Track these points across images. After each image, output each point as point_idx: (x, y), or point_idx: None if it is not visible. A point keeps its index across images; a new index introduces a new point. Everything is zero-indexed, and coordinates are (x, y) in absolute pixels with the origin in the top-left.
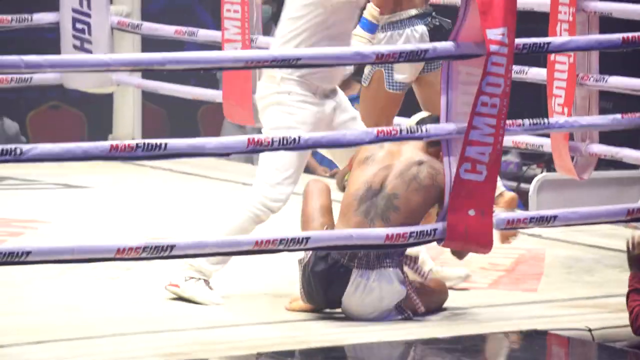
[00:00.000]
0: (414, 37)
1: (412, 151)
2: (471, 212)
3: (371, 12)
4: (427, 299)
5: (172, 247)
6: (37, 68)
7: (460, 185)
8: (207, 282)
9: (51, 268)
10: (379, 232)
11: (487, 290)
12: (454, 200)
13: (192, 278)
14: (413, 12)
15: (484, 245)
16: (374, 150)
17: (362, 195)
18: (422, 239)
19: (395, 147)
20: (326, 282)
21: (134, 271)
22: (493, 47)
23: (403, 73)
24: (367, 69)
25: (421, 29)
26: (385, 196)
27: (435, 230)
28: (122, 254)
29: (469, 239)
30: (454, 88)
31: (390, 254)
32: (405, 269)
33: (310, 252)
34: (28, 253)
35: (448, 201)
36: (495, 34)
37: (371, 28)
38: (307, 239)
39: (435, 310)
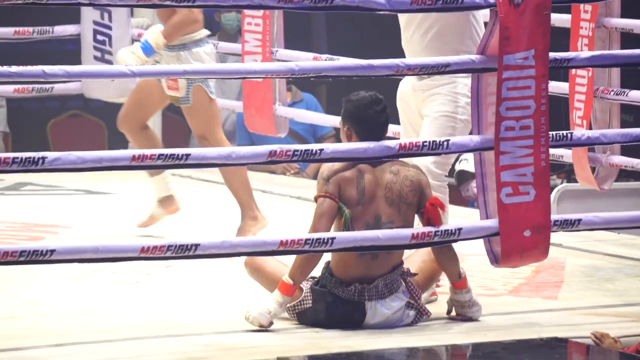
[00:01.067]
0: (204, 55)
1: (387, 168)
2: (527, 233)
3: (157, 41)
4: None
5: (196, 246)
6: (58, 78)
7: (505, 210)
8: None
9: (72, 272)
10: (405, 233)
11: (508, 297)
12: (504, 226)
13: None
14: (204, 32)
15: (540, 258)
16: (351, 176)
17: None
18: (446, 237)
19: (369, 168)
20: (343, 320)
21: (154, 275)
22: (507, 73)
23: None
24: (184, 90)
25: (209, 47)
26: (383, 227)
27: (460, 229)
28: (147, 253)
29: (524, 257)
30: (483, 101)
31: (398, 281)
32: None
33: (311, 295)
34: (52, 251)
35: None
36: (515, 59)
37: (151, 54)
38: (333, 239)
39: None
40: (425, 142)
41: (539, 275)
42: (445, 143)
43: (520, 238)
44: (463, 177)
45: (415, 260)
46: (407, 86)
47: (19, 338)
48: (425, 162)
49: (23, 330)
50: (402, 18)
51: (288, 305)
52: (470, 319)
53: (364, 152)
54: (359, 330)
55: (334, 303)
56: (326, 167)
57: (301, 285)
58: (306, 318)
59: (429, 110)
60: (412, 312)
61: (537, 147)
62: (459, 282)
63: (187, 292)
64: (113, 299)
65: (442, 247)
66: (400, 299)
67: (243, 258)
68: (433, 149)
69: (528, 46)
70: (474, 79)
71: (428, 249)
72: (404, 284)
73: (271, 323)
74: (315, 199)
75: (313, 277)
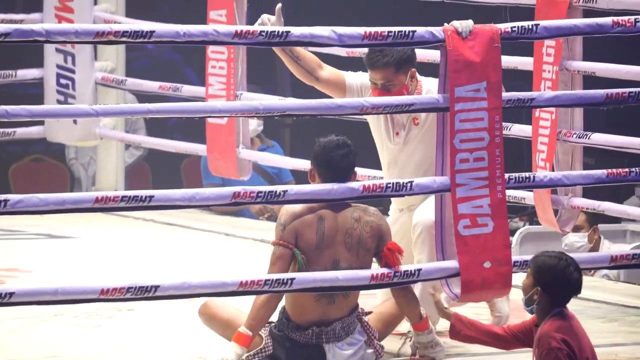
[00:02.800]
0: None
1: (348, 214)
2: (486, 265)
3: None
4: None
5: (156, 287)
6: (21, 118)
7: (463, 242)
8: None
9: (33, 316)
10: (364, 274)
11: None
12: (463, 257)
13: None
14: None
15: (502, 291)
16: (310, 220)
17: None
18: (406, 279)
19: (330, 214)
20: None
21: (116, 319)
22: (459, 105)
23: None
24: None
25: None
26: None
27: (418, 270)
28: (107, 295)
29: (485, 289)
30: (447, 142)
31: (354, 322)
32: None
33: (271, 341)
34: (11, 294)
35: (449, 257)
36: (466, 90)
37: None
38: (292, 279)
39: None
40: (389, 183)
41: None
42: (409, 184)
43: (481, 270)
44: None
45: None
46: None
47: None
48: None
49: None
50: (384, 157)
51: (248, 354)
52: (434, 359)
53: (327, 193)
54: None
55: (293, 348)
56: (284, 212)
57: (260, 333)
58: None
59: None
60: (370, 351)
61: (492, 179)
62: (420, 323)
63: (150, 335)
64: (75, 343)
65: (402, 291)
66: (358, 339)
67: (204, 299)
68: (397, 190)
69: (480, 78)
70: (438, 118)
71: (391, 302)
72: (359, 324)
73: None
74: (272, 244)
75: (270, 322)
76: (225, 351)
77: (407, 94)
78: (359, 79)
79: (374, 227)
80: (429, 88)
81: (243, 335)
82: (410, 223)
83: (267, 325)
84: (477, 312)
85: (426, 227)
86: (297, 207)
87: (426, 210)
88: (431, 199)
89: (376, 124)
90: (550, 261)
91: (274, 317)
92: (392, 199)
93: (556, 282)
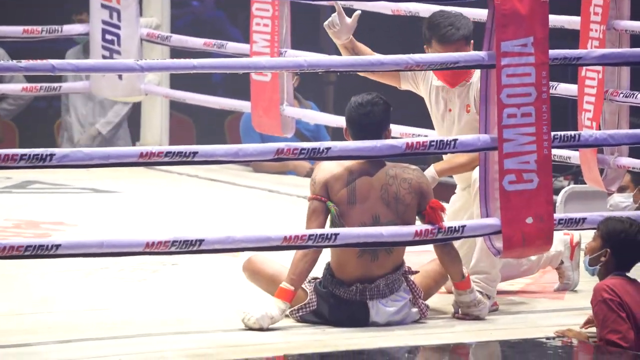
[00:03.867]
0: None
1: (384, 171)
2: (529, 220)
3: None
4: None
5: (200, 241)
6: (67, 72)
7: (507, 198)
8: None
9: (79, 269)
10: (408, 230)
11: (515, 297)
12: (506, 213)
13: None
14: None
15: (543, 247)
16: (340, 174)
17: None
18: (449, 235)
19: (363, 169)
20: (348, 320)
21: (160, 273)
22: (505, 60)
23: None
24: None
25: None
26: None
27: (462, 227)
28: (152, 248)
29: (527, 245)
30: (491, 99)
31: (399, 280)
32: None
33: (315, 297)
34: (57, 246)
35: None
36: (513, 45)
37: None
38: (336, 235)
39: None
40: (433, 141)
41: (546, 275)
42: (453, 142)
43: (522, 226)
44: None
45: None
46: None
47: (26, 334)
48: None
49: (30, 326)
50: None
51: (292, 308)
52: (477, 318)
53: (370, 150)
54: (365, 328)
55: (337, 304)
56: (317, 167)
57: (305, 288)
58: (311, 320)
59: None
60: (414, 310)
61: (539, 135)
62: (462, 282)
63: (193, 289)
64: (119, 296)
65: (445, 249)
66: (402, 297)
67: (247, 254)
68: (440, 148)
69: (526, 33)
70: (482, 75)
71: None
72: (405, 282)
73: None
74: (308, 200)
75: (315, 278)
76: (268, 306)
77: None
78: None
79: (413, 184)
80: None
81: (285, 291)
82: (472, 201)
83: (312, 280)
84: (525, 282)
85: None
86: (331, 163)
87: None
88: None
89: (430, 102)
90: (622, 225)
91: (319, 273)
92: (456, 179)
93: (627, 245)
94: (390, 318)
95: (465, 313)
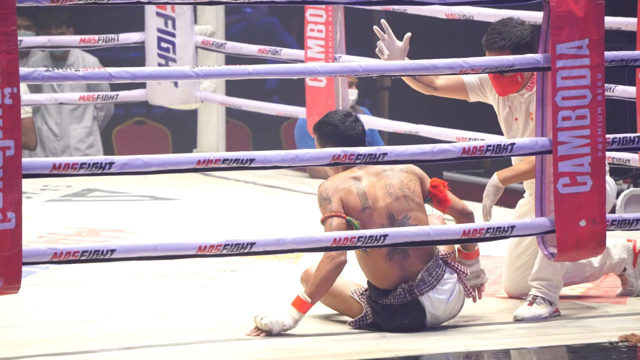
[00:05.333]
0: None
1: (380, 169)
2: (582, 223)
3: None
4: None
5: (252, 244)
6: (124, 80)
7: (561, 200)
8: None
9: (139, 276)
10: (455, 229)
11: (576, 301)
12: (560, 216)
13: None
14: None
15: (597, 250)
16: (349, 185)
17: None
18: (499, 234)
19: (364, 173)
20: (407, 323)
21: (220, 280)
22: (560, 62)
23: None
24: None
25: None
26: (401, 224)
27: (512, 226)
28: (204, 251)
29: (580, 248)
30: (547, 102)
31: (441, 266)
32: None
33: (370, 310)
34: (113, 251)
35: (548, 215)
36: (568, 47)
37: None
38: (385, 236)
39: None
40: (490, 145)
41: (607, 279)
42: (510, 146)
43: (576, 228)
44: None
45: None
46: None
47: (88, 341)
48: None
49: (92, 334)
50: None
51: (349, 321)
52: (482, 286)
53: (427, 154)
54: (425, 333)
55: (392, 313)
56: (323, 189)
57: (359, 300)
58: (372, 328)
59: None
60: (462, 287)
61: (593, 137)
62: (475, 251)
63: (253, 295)
64: (180, 303)
65: (463, 216)
66: (449, 280)
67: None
68: (497, 152)
69: (581, 35)
70: (538, 78)
71: (439, 216)
72: (445, 266)
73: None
74: (322, 222)
75: (365, 291)
76: (283, 314)
77: (521, 80)
78: (475, 76)
79: (408, 171)
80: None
81: (302, 302)
82: None
83: (364, 292)
84: (586, 287)
85: None
86: (334, 180)
87: None
88: None
89: (498, 111)
90: None
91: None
92: (524, 185)
93: None
94: (446, 306)
95: (474, 285)
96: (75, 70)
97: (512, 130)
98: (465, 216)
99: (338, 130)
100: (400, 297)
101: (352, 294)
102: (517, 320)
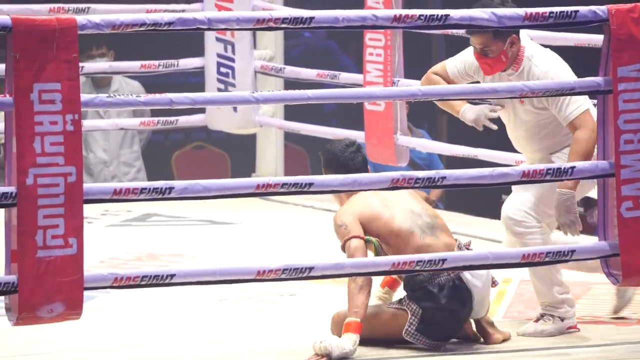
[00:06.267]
0: None
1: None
2: None
3: None
4: None
5: (310, 268)
6: (184, 106)
7: (625, 224)
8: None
9: (198, 301)
10: (515, 252)
11: (638, 326)
12: (624, 240)
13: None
14: None
15: None
16: (363, 201)
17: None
18: (559, 258)
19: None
20: (451, 300)
21: (279, 304)
22: (622, 85)
23: None
24: None
25: None
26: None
27: (573, 251)
28: (263, 275)
29: None
30: (609, 125)
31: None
32: None
33: (414, 305)
34: (172, 276)
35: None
36: (629, 70)
37: None
38: (444, 260)
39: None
40: (550, 169)
41: None
42: (570, 170)
43: None
44: (589, 203)
45: None
46: None
47: None
48: (505, 211)
49: (151, 357)
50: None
51: (403, 332)
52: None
53: (486, 178)
54: (478, 348)
55: (440, 294)
56: (338, 216)
57: (399, 307)
58: (426, 329)
59: None
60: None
61: None
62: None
63: (312, 320)
64: (238, 327)
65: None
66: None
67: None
68: (557, 175)
69: None
70: (599, 102)
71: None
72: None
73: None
74: (342, 248)
75: (401, 298)
76: (340, 339)
77: (506, 59)
78: (458, 65)
79: (411, 192)
80: (531, 53)
81: (352, 324)
82: None
83: (400, 300)
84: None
85: (502, 219)
86: (350, 205)
87: (511, 201)
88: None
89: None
90: None
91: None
92: (524, 157)
93: None
94: (483, 274)
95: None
96: (137, 96)
97: (509, 122)
98: None
99: (337, 159)
100: (445, 275)
101: (390, 305)
102: (519, 335)
